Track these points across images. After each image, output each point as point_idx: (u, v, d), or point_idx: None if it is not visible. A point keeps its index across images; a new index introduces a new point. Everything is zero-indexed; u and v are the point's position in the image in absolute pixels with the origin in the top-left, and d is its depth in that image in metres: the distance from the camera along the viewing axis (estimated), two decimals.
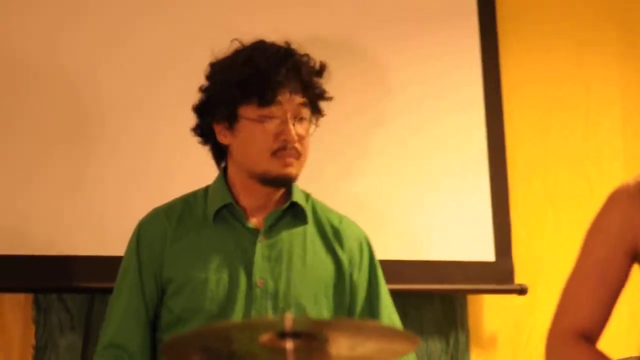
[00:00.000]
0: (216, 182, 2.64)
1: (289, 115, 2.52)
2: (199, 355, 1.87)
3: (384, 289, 2.70)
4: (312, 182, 2.73)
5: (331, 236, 2.65)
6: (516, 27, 3.79)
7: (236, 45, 2.59)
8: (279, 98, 2.51)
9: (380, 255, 2.73)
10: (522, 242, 3.65)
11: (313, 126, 2.60)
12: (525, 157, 3.74)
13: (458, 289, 3.53)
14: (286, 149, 2.52)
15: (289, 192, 2.62)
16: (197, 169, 2.75)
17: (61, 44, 3.13)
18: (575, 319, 2.11)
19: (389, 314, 2.69)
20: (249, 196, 2.60)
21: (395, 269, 3.16)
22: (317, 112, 2.60)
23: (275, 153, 2.52)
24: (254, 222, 2.59)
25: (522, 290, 3.54)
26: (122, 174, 3.14)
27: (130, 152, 3.16)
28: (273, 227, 2.59)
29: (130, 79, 3.19)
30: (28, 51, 3.10)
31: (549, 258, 3.65)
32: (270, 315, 2.51)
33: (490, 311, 3.63)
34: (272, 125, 2.52)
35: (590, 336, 2.11)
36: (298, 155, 2.54)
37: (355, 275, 2.64)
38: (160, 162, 3.18)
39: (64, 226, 3.06)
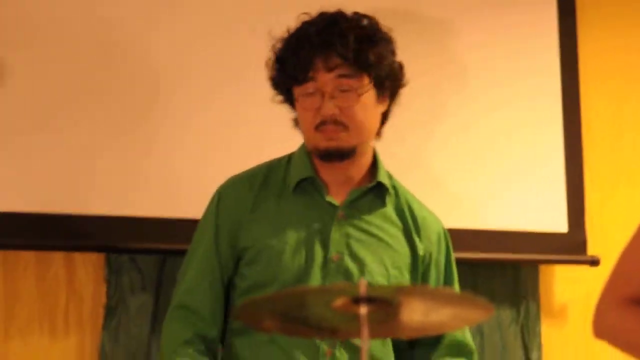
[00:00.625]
0: (299, 152, 2.63)
1: (325, 90, 2.49)
2: (272, 319, 1.87)
3: (456, 287, 2.67)
4: (389, 152, 2.72)
5: (410, 222, 2.62)
6: (595, 12, 3.76)
7: (303, 18, 2.57)
8: (311, 74, 2.49)
9: (455, 224, 2.72)
10: (595, 214, 3.63)
11: (367, 93, 2.52)
12: (600, 129, 3.73)
13: (530, 259, 3.53)
14: (326, 123, 2.50)
15: (374, 170, 2.60)
16: (272, 132, 2.74)
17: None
18: (627, 287, 2.09)
19: None
20: (326, 171, 2.58)
21: (469, 238, 3.16)
22: (372, 80, 2.53)
23: (317, 127, 2.51)
24: (334, 197, 2.57)
25: (594, 262, 3.52)
26: (195, 136, 3.15)
27: (205, 114, 3.17)
28: (354, 204, 2.57)
29: (200, 38, 3.19)
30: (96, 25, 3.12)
31: (621, 230, 3.58)
32: None
33: (561, 282, 3.62)
34: (312, 101, 2.51)
35: None
36: (344, 128, 2.50)
37: (432, 270, 2.62)
38: (233, 124, 3.18)
39: (138, 187, 3.08)
